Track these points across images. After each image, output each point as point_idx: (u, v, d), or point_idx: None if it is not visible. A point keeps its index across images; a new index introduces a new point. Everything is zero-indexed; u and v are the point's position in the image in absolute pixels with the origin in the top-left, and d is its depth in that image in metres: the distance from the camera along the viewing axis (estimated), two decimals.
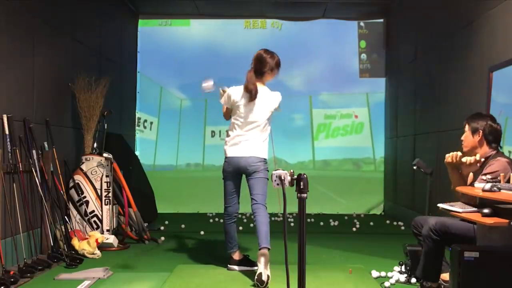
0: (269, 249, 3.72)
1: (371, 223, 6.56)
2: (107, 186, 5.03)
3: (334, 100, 8.33)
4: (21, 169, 4.10)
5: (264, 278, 3.51)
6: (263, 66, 3.94)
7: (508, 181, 2.92)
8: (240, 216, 5.22)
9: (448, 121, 5.11)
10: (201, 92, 4.19)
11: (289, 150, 8.16)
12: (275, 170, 2.45)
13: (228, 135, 4.04)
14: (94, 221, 4.96)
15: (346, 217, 7.01)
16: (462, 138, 3.35)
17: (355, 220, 6.70)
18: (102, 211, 4.98)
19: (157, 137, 8.28)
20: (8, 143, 3.96)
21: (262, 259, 3.60)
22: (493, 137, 3.25)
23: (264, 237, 3.74)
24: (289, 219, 6.59)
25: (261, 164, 3.90)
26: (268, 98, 3.96)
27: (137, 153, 7.84)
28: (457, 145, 5.00)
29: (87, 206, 4.96)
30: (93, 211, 4.97)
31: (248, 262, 4.11)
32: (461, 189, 3.35)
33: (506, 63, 3.75)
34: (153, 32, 8.11)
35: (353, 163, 8.14)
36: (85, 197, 4.96)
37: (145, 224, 5.50)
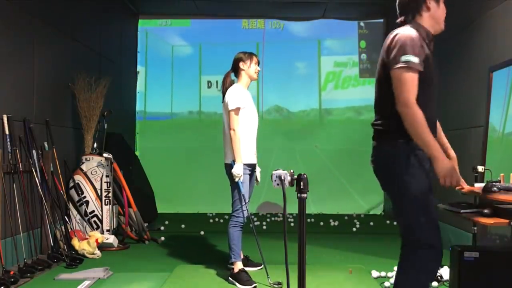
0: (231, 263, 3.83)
1: (371, 223, 6.55)
2: (107, 186, 5.03)
3: (345, 46, 7.86)
4: (21, 169, 4.10)
5: None
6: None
7: None
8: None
9: (448, 121, 5.11)
10: None
11: (293, 98, 7.86)
12: (275, 170, 2.44)
13: None
14: (94, 221, 4.96)
15: (346, 217, 7.01)
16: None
17: (355, 220, 6.70)
18: (102, 211, 4.98)
19: (146, 87, 7.94)
20: (8, 143, 3.97)
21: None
22: None
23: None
24: (289, 219, 6.59)
25: (228, 169, 3.87)
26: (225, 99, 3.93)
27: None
28: (458, 145, 5.00)
29: (87, 206, 4.96)
30: (93, 211, 4.97)
31: (252, 262, 4.14)
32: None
33: (506, 63, 3.75)
34: (153, 32, 8.11)
35: (355, 110, 7.84)
36: (85, 197, 4.96)
37: (145, 224, 5.50)
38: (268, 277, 3.69)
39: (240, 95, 3.83)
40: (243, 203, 3.78)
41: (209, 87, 7.96)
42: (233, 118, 3.76)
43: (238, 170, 3.70)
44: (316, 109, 7.95)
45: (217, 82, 7.72)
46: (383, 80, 2.36)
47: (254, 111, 3.97)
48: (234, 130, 3.74)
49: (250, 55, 3.98)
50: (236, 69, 4.00)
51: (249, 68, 3.95)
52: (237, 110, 3.77)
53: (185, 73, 7.99)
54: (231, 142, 3.75)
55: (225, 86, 3.98)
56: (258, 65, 4.01)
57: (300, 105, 7.94)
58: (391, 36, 2.39)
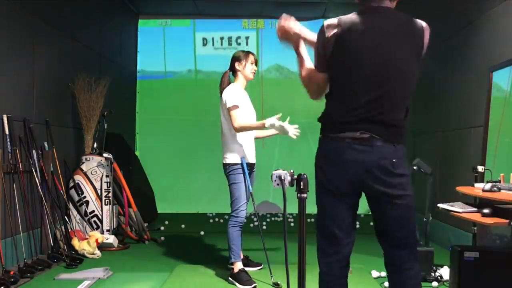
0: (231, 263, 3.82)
1: (371, 223, 6.53)
2: (107, 186, 5.03)
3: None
4: (21, 169, 4.10)
5: None
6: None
7: None
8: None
9: (448, 121, 5.11)
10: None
11: (294, 57, 7.80)
12: (275, 170, 2.44)
13: None
14: (94, 221, 4.96)
15: None
16: None
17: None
18: (102, 211, 4.98)
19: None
20: (8, 143, 3.96)
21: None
22: None
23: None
24: (289, 219, 6.58)
25: (226, 169, 3.87)
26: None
27: None
28: (458, 145, 5.01)
29: (87, 206, 4.96)
30: (93, 211, 4.97)
31: (252, 262, 4.15)
32: (461, 189, 3.36)
33: (506, 63, 3.75)
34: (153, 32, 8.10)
35: None
36: (85, 197, 4.96)
37: (145, 224, 5.50)
38: (271, 276, 3.70)
39: (235, 93, 3.81)
40: (246, 201, 3.80)
41: (204, 44, 7.76)
42: (233, 116, 3.73)
43: (270, 121, 3.64)
44: None
45: (213, 39, 7.46)
46: (414, 71, 2.22)
47: (252, 111, 3.95)
48: (237, 127, 3.71)
49: (247, 54, 3.94)
50: (233, 69, 3.99)
51: (245, 68, 3.92)
52: (233, 107, 3.74)
53: (177, 29, 7.78)
54: (248, 128, 3.72)
55: (223, 86, 3.95)
56: (255, 64, 3.96)
57: None
58: (421, 24, 2.19)
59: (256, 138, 4.08)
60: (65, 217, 4.73)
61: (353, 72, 2.11)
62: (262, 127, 3.71)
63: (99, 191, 5.02)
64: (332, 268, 2.27)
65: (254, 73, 3.98)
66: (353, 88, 2.11)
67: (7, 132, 3.94)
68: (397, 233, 2.27)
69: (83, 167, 5.05)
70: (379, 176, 2.10)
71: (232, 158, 3.79)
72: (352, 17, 2.18)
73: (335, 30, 2.16)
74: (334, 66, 2.16)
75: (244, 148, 3.82)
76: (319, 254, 2.30)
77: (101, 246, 4.67)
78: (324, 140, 2.20)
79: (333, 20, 2.18)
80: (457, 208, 3.11)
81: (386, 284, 3.59)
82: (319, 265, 2.28)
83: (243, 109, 3.81)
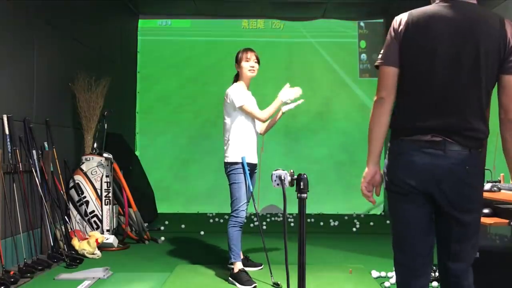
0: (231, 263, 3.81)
1: (371, 223, 6.56)
2: (107, 186, 5.03)
3: None
4: (21, 169, 4.10)
5: None
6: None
7: None
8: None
9: None
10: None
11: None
12: (275, 170, 2.44)
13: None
14: (94, 221, 4.96)
15: (346, 217, 7.01)
16: None
17: (355, 220, 6.70)
18: (102, 211, 4.98)
19: None
20: (8, 143, 3.97)
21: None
22: None
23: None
24: (289, 219, 6.59)
25: (227, 168, 3.85)
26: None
27: None
28: None
29: (87, 206, 4.96)
30: (93, 211, 4.97)
31: (252, 262, 4.14)
32: None
33: None
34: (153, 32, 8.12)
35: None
36: (85, 197, 4.96)
37: (145, 224, 5.50)
38: (271, 276, 3.70)
39: (240, 91, 3.79)
40: (246, 202, 3.80)
41: None
42: (249, 111, 3.75)
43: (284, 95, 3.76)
44: None
45: None
46: (493, 77, 1.97)
47: None
48: (263, 118, 3.79)
49: (242, 51, 3.88)
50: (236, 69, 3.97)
51: (242, 68, 3.86)
52: (244, 104, 3.74)
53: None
54: (270, 113, 3.78)
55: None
56: (253, 61, 3.85)
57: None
58: (500, 18, 2.02)
59: (262, 133, 4.12)
60: (65, 217, 4.73)
61: (424, 72, 1.97)
62: (280, 103, 3.79)
63: (99, 191, 5.02)
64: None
65: (253, 70, 3.87)
66: (424, 89, 1.96)
67: (7, 132, 3.95)
68: (457, 247, 2.04)
69: (83, 167, 5.05)
70: (449, 185, 1.93)
71: (233, 157, 3.78)
72: (422, 11, 2.02)
73: (404, 26, 2.01)
74: (403, 65, 2.01)
75: (246, 148, 3.81)
76: (396, 269, 2.12)
77: (101, 246, 4.67)
78: (393, 142, 2.05)
79: (403, 16, 2.05)
80: None
81: (386, 284, 3.60)
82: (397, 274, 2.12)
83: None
